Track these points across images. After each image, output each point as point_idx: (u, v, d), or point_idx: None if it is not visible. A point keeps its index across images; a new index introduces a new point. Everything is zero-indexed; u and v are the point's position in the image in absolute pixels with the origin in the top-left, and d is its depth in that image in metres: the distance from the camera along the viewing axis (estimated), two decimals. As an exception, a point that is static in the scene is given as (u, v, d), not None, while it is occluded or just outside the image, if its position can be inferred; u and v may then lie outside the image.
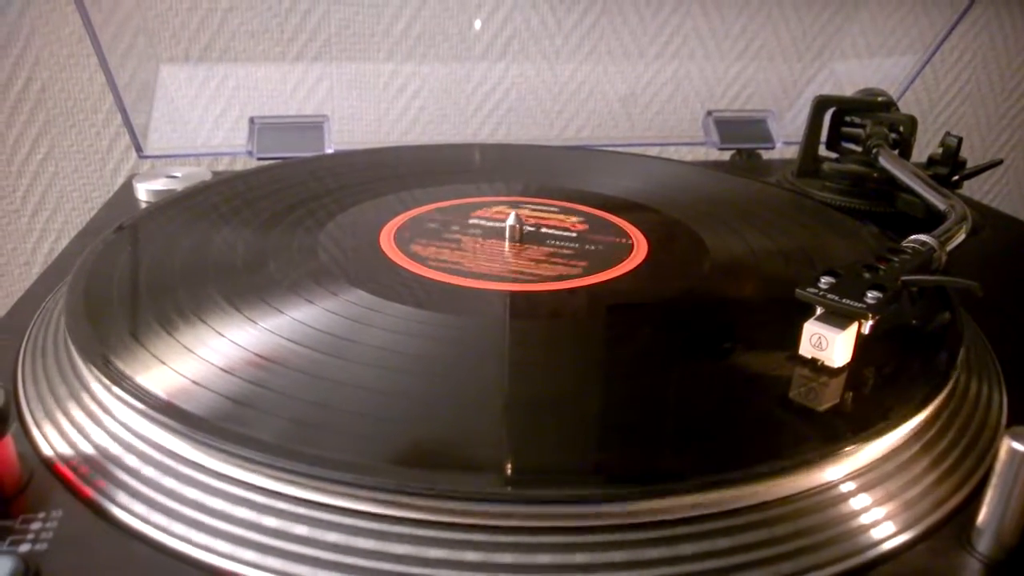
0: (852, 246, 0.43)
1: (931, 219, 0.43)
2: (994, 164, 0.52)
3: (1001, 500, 0.23)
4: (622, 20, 0.73)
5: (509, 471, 0.24)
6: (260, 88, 0.66)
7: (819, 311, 0.30)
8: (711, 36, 0.75)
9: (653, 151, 0.73)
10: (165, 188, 0.51)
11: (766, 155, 0.70)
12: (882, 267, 0.32)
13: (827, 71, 0.78)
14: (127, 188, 0.54)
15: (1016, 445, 0.22)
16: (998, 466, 0.23)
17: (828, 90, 0.77)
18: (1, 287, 0.70)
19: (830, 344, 0.28)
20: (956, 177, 0.52)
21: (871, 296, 0.29)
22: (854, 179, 0.52)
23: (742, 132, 0.70)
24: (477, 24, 0.70)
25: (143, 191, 0.52)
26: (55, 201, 0.68)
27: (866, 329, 0.29)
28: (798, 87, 0.78)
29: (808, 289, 0.30)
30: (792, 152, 0.57)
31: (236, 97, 0.65)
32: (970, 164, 0.53)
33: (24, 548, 0.22)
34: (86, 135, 0.66)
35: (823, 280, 0.30)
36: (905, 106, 0.79)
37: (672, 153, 0.78)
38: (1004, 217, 0.55)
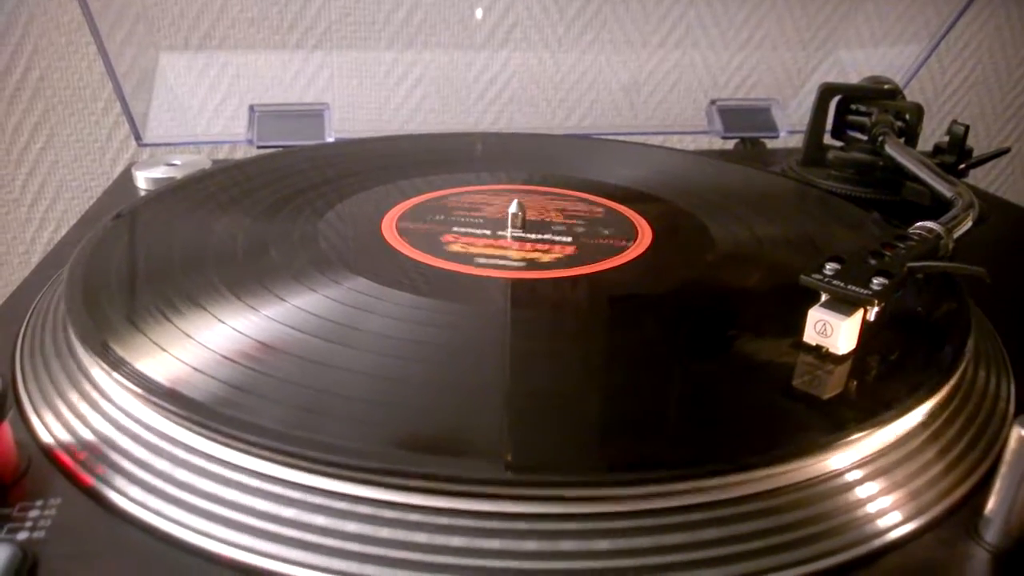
0: (857, 235, 0.42)
1: (937, 207, 0.42)
2: (1001, 152, 0.52)
3: (1010, 489, 0.23)
4: (625, 8, 0.72)
5: (509, 457, 0.24)
6: (260, 76, 0.66)
7: (824, 297, 0.29)
8: (714, 24, 0.75)
9: (656, 140, 0.72)
10: (165, 176, 0.51)
11: (770, 144, 0.69)
12: (888, 253, 0.31)
13: (832, 60, 0.77)
14: (126, 176, 0.54)
15: (1025, 433, 0.22)
16: (1007, 455, 0.23)
17: (833, 79, 0.76)
18: (1, 276, 0.70)
19: (835, 331, 0.28)
20: (963, 165, 0.51)
21: (876, 282, 0.29)
22: (860, 167, 0.51)
23: (746, 121, 0.69)
24: (479, 12, 0.69)
25: (142, 179, 0.51)
26: (54, 190, 0.68)
27: (871, 316, 0.29)
28: (803, 76, 0.78)
29: (812, 275, 0.29)
30: (796, 141, 0.57)
31: (236, 85, 0.65)
32: (976, 153, 0.52)
33: (22, 536, 0.22)
34: (85, 123, 0.66)
35: (828, 266, 0.30)
36: (910, 95, 0.78)
37: (675, 142, 0.77)
38: (1009, 206, 0.54)
